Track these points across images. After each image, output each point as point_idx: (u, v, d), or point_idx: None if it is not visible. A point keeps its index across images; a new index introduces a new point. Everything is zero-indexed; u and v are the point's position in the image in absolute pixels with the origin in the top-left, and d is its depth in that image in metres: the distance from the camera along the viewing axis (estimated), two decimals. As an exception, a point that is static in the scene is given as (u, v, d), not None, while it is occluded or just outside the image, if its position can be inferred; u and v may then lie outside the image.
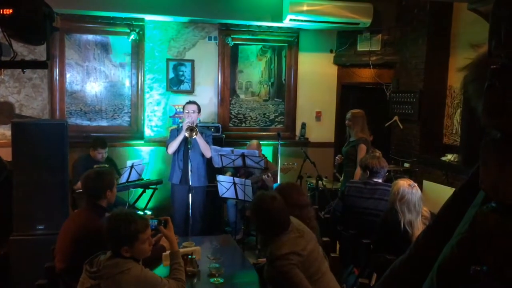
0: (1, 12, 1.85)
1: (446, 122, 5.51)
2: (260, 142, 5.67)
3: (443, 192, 4.85)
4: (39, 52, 5.46)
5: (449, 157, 5.06)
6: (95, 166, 4.57)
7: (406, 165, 5.74)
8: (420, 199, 3.23)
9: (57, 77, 5.74)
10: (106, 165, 4.88)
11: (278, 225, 2.49)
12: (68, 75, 5.81)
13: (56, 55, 5.67)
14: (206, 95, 6.21)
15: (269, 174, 5.12)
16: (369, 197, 3.77)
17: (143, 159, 5.68)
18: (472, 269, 0.59)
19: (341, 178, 5.14)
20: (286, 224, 2.51)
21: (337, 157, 5.16)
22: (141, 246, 2.27)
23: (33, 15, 1.92)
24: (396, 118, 5.95)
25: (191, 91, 6.12)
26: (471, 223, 0.65)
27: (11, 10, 1.85)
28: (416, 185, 3.29)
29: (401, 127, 5.88)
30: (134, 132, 6.05)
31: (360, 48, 6.34)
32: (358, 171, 4.24)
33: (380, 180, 3.87)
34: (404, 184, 3.25)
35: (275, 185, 4.78)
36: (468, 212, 0.70)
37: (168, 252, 2.72)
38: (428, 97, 5.52)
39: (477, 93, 0.69)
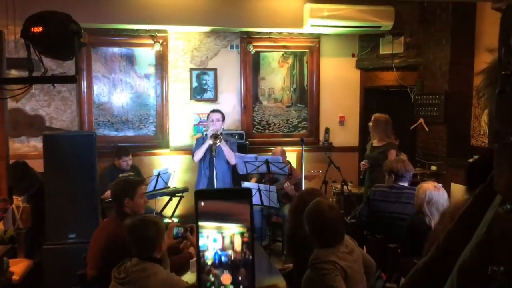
0: (32, 30, 1.94)
1: (473, 124, 5.41)
2: (284, 149, 5.68)
3: (472, 195, 4.75)
4: (67, 66, 5.63)
5: (477, 159, 4.96)
6: (120, 175, 4.68)
7: (433, 168, 5.65)
8: (447, 200, 3.20)
9: (85, 90, 5.91)
10: (132, 173, 4.98)
11: (332, 235, 2.43)
12: (95, 88, 5.97)
13: (84, 68, 5.84)
14: (229, 103, 6.28)
15: (288, 183, 5.09)
16: (395, 201, 3.73)
17: (169, 167, 5.77)
18: (490, 270, 0.61)
19: (365, 183, 5.09)
20: (340, 237, 2.46)
21: (362, 163, 5.09)
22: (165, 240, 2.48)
23: (62, 32, 2.01)
24: (421, 120, 5.88)
25: (214, 99, 6.20)
26: (488, 225, 0.66)
27: (41, 28, 1.94)
28: (441, 186, 3.26)
29: (427, 129, 5.80)
30: (160, 141, 6.16)
31: (382, 51, 6.30)
32: None
33: (406, 184, 3.83)
34: (430, 186, 3.22)
35: None
36: (487, 214, 0.71)
37: (195, 259, 2.76)
38: (453, 98, 5.44)
39: (493, 98, 0.70)
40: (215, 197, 0.94)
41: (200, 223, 0.89)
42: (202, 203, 0.91)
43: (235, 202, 0.91)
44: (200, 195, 0.92)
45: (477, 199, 0.80)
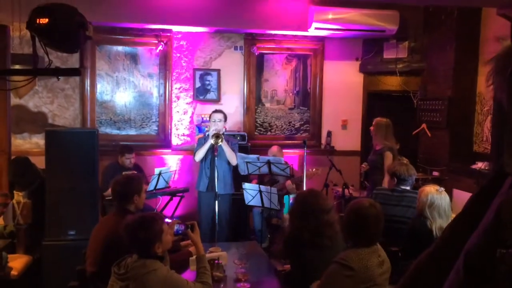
0: (38, 22, 1.94)
1: (476, 130, 5.40)
2: (285, 150, 5.67)
3: (474, 201, 4.74)
4: (71, 63, 5.66)
5: (480, 165, 4.95)
6: (123, 173, 4.67)
7: (435, 173, 5.64)
8: (449, 203, 3.18)
9: (88, 88, 5.91)
10: (134, 171, 4.97)
11: (367, 233, 2.37)
12: (98, 86, 5.97)
13: (88, 66, 5.84)
14: (232, 104, 6.28)
15: (290, 182, 5.09)
16: (397, 204, 3.72)
17: (170, 167, 5.76)
18: (498, 252, 0.60)
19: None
20: (376, 237, 2.40)
21: (362, 165, 5.12)
22: (167, 237, 2.41)
23: (68, 24, 2.01)
24: (424, 126, 5.86)
25: (217, 100, 6.20)
26: (497, 209, 0.65)
27: (47, 20, 1.94)
28: (443, 189, 3.25)
29: (429, 135, 5.79)
30: (162, 140, 6.15)
31: (386, 55, 6.29)
32: (387, 179, 4.19)
33: (408, 188, 3.81)
34: (432, 190, 3.21)
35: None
36: (495, 200, 0.70)
37: (195, 256, 2.75)
38: (456, 104, 5.43)
39: (502, 85, 0.69)
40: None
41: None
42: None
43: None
44: None
45: (484, 188, 0.79)
